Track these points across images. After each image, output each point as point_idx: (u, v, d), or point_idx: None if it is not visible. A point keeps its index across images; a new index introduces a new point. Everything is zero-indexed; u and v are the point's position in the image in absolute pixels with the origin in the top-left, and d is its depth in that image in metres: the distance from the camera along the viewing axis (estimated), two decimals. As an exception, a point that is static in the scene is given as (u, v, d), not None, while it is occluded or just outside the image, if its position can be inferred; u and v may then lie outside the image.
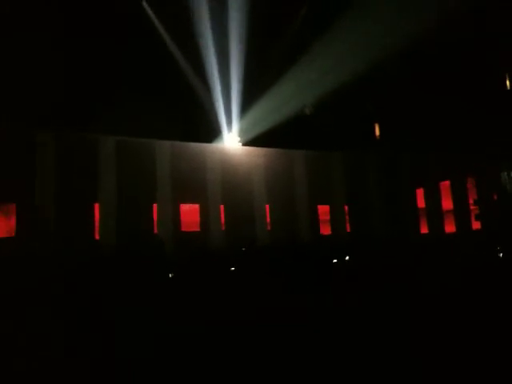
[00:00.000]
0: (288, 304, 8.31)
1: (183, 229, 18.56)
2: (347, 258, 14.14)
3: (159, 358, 5.81)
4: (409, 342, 6.00)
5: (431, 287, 9.86)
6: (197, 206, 19.05)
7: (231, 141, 21.64)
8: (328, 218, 21.74)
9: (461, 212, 21.77)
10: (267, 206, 20.37)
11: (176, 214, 18.47)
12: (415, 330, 6.42)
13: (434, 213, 22.75)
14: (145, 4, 20.80)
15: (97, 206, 17.29)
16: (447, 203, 22.49)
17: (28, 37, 16.76)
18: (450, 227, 22.35)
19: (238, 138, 21.77)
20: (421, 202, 23.51)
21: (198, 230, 18.93)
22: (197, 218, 19.00)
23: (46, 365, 5.44)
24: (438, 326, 6.60)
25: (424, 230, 23.16)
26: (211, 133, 21.39)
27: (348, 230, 21.95)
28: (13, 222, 15.82)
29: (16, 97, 16.16)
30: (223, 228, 19.34)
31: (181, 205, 18.66)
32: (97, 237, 17.12)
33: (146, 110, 18.88)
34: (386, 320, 7.17)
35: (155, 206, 18.21)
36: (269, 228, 20.23)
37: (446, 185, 22.63)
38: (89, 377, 5.26)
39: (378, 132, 24.53)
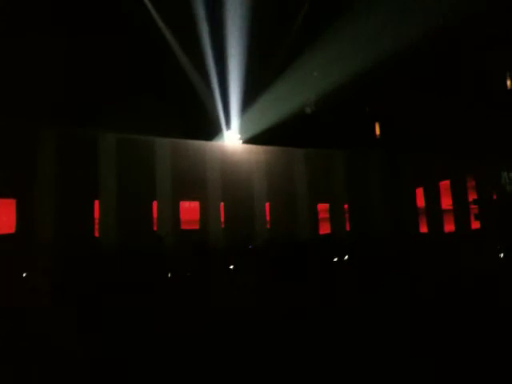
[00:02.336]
0: (289, 302, 8.32)
1: (183, 226, 18.55)
2: (346, 257, 14.17)
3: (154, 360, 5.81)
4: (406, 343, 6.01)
5: (431, 288, 9.87)
6: (197, 204, 19.03)
7: (232, 138, 21.58)
8: (327, 216, 21.72)
9: (460, 211, 21.80)
10: (267, 205, 20.35)
11: (176, 211, 18.45)
12: (413, 332, 6.43)
13: (434, 212, 22.75)
14: (146, 2, 20.69)
15: (97, 203, 17.27)
16: (447, 203, 22.51)
17: (28, 34, 16.69)
18: (449, 227, 22.38)
19: (239, 136, 21.71)
20: (420, 202, 23.52)
21: (197, 227, 18.91)
22: (197, 215, 18.99)
23: (45, 366, 5.44)
24: (436, 329, 6.61)
25: (423, 229, 23.16)
26: (211, 130, 21.34)
27: (347, 228, 21.94)
28: (13, 218, 15.79)
29: (16, 94, 16.10)
30: (223, 226, 19.33)
31: (181, 202, 18.64)
32: (96, 234, 17.11)
33: (145, 107, 18.81)
34: (385, 321, 7.18)
35: (155, 203, 18.20)
36: (268, 226, 20.22)
37: (445, 184, 22.64)
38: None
39: (378, 131, 24.50)
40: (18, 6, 16.67)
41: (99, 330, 6.93)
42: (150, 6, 20.79)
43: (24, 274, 12.71)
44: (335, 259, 13.44)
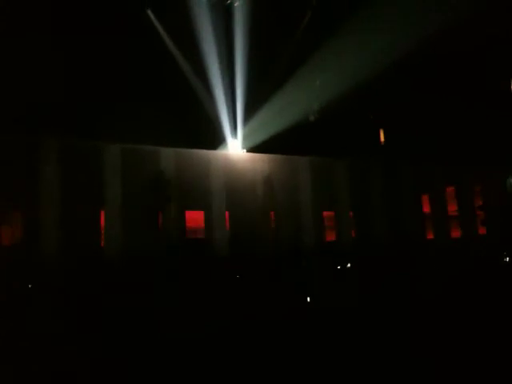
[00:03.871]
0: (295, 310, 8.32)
1: (188, 236, 18.56)
2: (349, 265, 14.17)
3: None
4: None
5: (436, 293, 9.83)
6: (202, 213, 19.07)
7: (235, 147, 21.65)
8: (333, 224, 21.69)
9: (466, 218, 21.71)
10: (272, 213, 20.34)
11: (181, 220, 18.48)
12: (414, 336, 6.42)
13: (440, 219, 22.66)
14: (147, 10, 20.91)
15: (103, 213, 17.36)
16: (453, 209, 22.43)
17: (27, 40, 16.82)
18: (455, 233, 22.28)
19: (242, 145, 21.77)
20: (426, 208, 23.44)
21: (203, 236, 18.94)
22: (202, 224, 19.02)
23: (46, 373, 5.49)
24: (439, 333, 6.59)
25: (430, 235, 23.06)
26: (215, 139, 21.42)
27: (353, 236, 21.86)
28: (19, 229, 15.90)
29: (18, 104, 16.22)
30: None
31: (186, 212, 18.67)
32: (102, 244, 17.18)
33: (149, 117, 18.95)
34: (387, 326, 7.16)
35: (160, 213, 18.23)
36: (274, 234, 20.18)
37: (451, 191, 22.57)
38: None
39: (382, 138, 24.50)
40: (17, 22, 16.83)
41: (102, 332, 6.98)
42: (150, 13, 21.00)
43: (30, 285, 12.79)
44: (338, 267, 13.42)
